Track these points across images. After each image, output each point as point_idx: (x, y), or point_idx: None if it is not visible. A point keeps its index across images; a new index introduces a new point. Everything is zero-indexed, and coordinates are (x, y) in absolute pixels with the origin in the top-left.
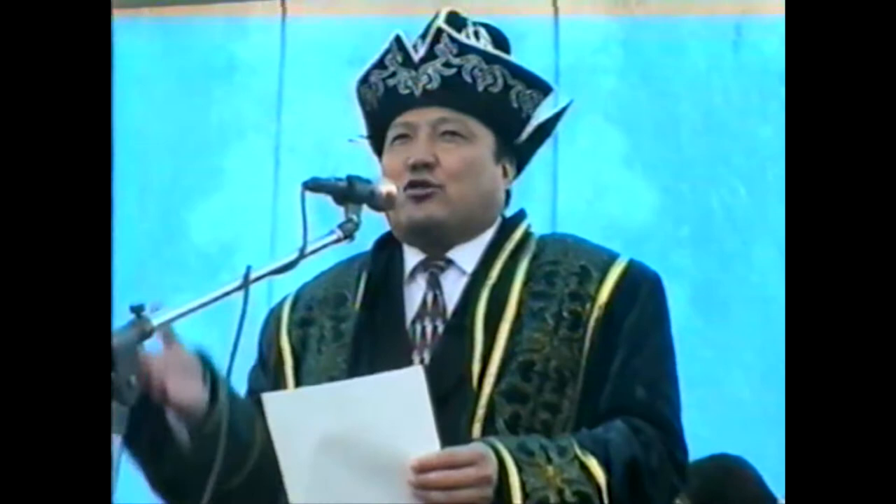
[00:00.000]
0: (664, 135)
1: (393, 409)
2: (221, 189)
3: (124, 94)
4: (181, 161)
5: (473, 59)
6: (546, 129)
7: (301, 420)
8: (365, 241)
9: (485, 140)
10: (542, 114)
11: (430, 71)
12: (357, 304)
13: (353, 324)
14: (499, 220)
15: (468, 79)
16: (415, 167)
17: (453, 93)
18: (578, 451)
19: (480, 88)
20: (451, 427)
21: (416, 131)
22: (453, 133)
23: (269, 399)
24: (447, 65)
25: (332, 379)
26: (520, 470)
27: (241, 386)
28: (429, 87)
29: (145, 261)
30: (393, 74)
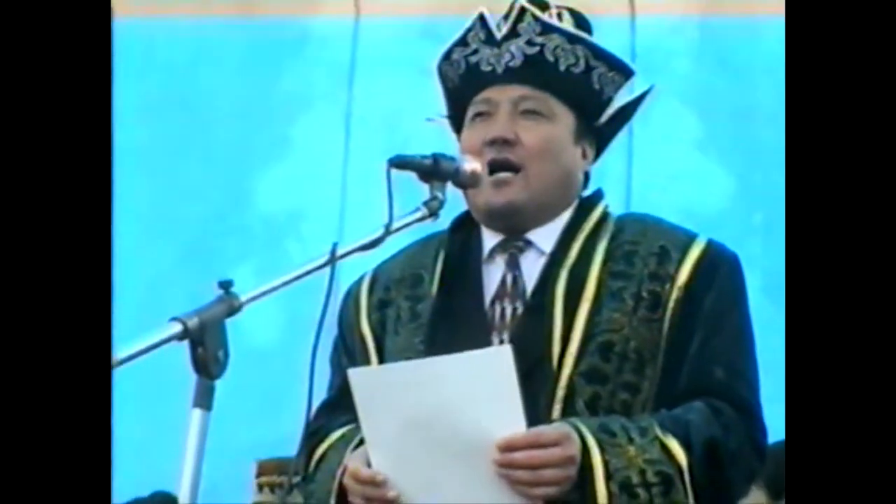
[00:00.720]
0: (739, 120)
1: (480, 388)
2: (289, 158)
3: (194, 62)
4: (249, 129)
5: (556, 39)
6: (626, 112)
7: (386, 395)
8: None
9: (565, 120)
10: (621, 97)
11: (512, 48)
12: (434, 285)
13: (429, 304)
14: (577, 200)
15: (550, 58)
16: (494, 143)
17: (535, 71)
18: (659, 432)
19: (562, 68)
20: (531, 408)
21: (497, 108)
22: (534, 111)
23: (356, 374)
24: (530, 43)
25: (408, 360)
26: (602, 450)
27: (323, 362)
28: (511, 64)
29: (210, 228)
30: (475, 52)
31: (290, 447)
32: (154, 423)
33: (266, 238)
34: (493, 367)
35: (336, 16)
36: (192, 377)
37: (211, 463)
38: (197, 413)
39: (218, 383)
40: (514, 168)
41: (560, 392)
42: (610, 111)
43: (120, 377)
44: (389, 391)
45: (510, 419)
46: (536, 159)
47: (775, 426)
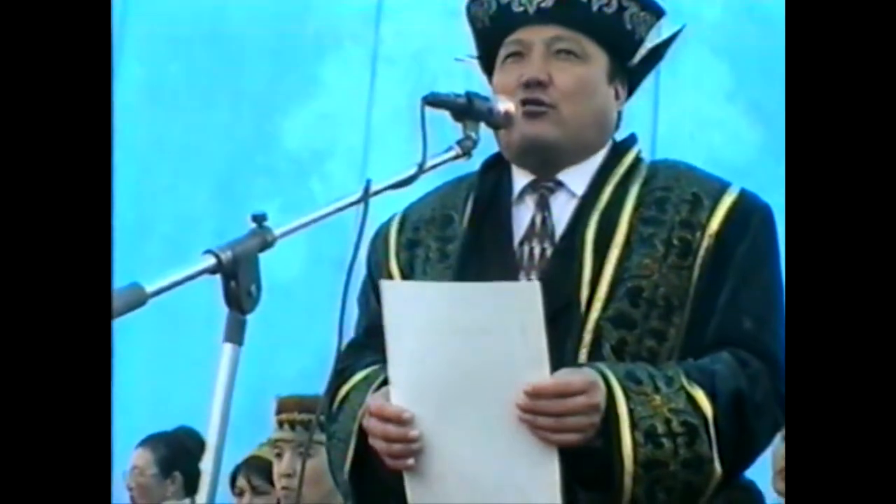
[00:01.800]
0: (768, 69)
1: (506, 319)
2: (316, 97)
3: (223, 1)
4: (278, 69)
5: None
6: (658, 53)
7: (416, 312)
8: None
9: (598, 60)
10: (652, 37)
11: None
12: (464, 225)
13: (459, 244)
14: (609, 143)
15: None
16: (528, 85)
17: (568, 11)
18: (685, 382)
19: (595, 8)
20: (557, 351)
21: (530, 49)
22: (567, 52)
23: (388, 287)
24: None
25: None
26: (628, 398)
27: (329, 300)
28: (543, 4)
29: (238, 166)
30: None
31: (310, 384)
32: (181, 358)
33: (292, 177)
34: (522, 300)
35: None
36: (218, 313)
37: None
38: (228, 347)
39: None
40: (547, 106)
41: (587, 336)
42: (643, 52)
43: (149, 311)
44: (420, 309)
45: (533, 355)
46: (570, 100)
47: None
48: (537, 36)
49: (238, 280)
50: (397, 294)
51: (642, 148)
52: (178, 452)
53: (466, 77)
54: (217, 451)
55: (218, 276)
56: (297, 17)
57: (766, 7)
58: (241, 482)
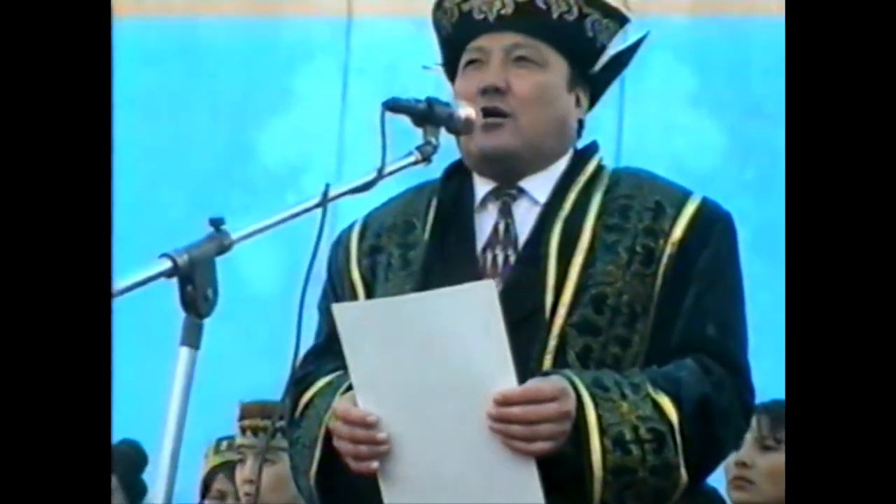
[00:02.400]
0: (733, 74)
1: (465, 323)
2: (290, 110)
3: (194, 14)
4: (252, 81)
5: None
6: (621, 60)
7: (372, 331)
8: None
9: (558, 68)
10: (615, 45)
11: None
12: (426, 232)
13: (421, 252)
14: (571, 151)
15: (542, 5)
16: (486, 91)
17: (527, 18)
18: (651, 389)
19: (555, 15)
20: (523, 357)
21: (489, 56)
22: (526, 59)
23: (340, 310)
24: None
25: None
26: (596, 405)
27: (314, 307)
28: (503, 12)
29: (214, 180)
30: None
31: (275, 389)
32: (146, 363)
33: (268, 190)
34: (478, 301)
35: None
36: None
37: (198, 404)
38: (184, 351)
39: (217, 327)
40: (505, 115)
41: (552, 342)
42: (604, 59)
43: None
44: (375, 327)
45: (496, 355)
46: (528, 107)
47: (767, 381)
48: (496, 43)
49: (195, 284)
50: (352, 316)
51: (608, 154)
52: (119, 466)
53: (437, 88)
54: (173, 454)
55: (175, 281)
56: (269, 28)
57: (731, 13)
58: (223, 485)
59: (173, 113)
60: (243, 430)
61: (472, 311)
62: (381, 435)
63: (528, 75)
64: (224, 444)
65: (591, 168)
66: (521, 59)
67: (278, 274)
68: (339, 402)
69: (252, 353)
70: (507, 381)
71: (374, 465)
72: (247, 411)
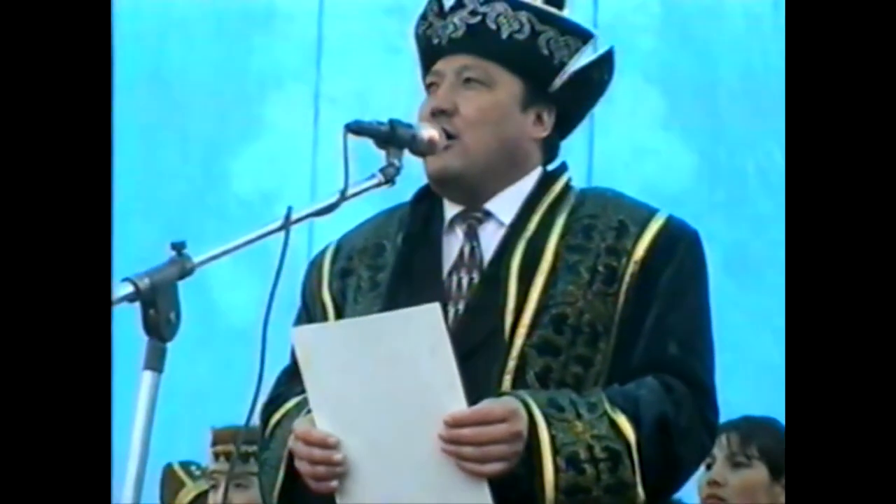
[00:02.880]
0: (702, 96)
1: (413, 344)
2: (262, 138)
3: (164, 42)
4: (222, 109)
5: (499, 7)
6: (589, 76)
7: (328, 353)
8: (405, 188)
9: (508, 87)
10: (579, 61)
11: (456, 20)
12: (395, 254)
13: (389, 273)
14: (539, 171)
15: (493, 26)
16: (434, 114)
17: (477, 40)
18: (608, 408)
19: (505, 35)
20: (482, 378)
21: (442, 79)
22: (474, 80)
23: (298, 333)
24: (473, 13)
25: None
26: (549, 425)
27: (282, 334)
28: (454, 35)
29: (187, 208)
30: (430, 25)
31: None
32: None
33: (242, 218)
34: (425, 323)
35: None
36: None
37: (172, 430)
38: (147, 375)
39: (193, 354)
40: (452, 137)
41: (511, 363)
42: (563, 76)
43: None
44: (331, 349)
45: (444, 377)
46: (474, 128)
47: (738, 399)
48: (449, 66)
49: (157, 307)
50: (308, 338)
51: (579, 177)
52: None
53: (409, 113)
54: (138, 477)
55: (136, 304)
56: (238, 56)
57: (699, 35)
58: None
59: (144, 142)
60: (216, 456)
61: (420, 333)
62: (338, 456)
63: (476, 96)
64: (197, 470)
65: (557, 189)
66: (469, 80)
67: (253, 301)
68: (299, 424)
69: (228, 379)
70: (456, 402)
71: (334, 483)
72: (219, 437)
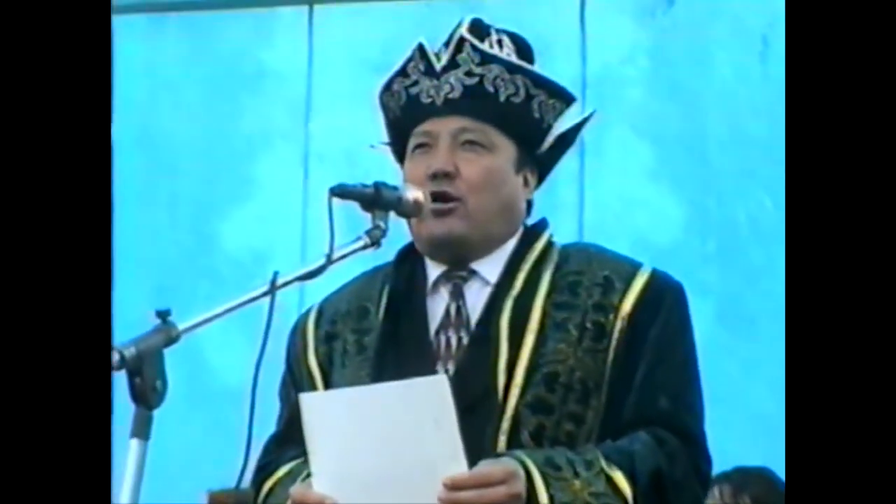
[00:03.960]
0: (691, 148)
1: (418, 415)
2: (252, 198)
3: (154, 104)
4: (212, 169)
5: (496, 69)
6: (568, 138)
7: (333, 421)
8: (390, 248)
9: (505, 150)
10: (564, 123)
11: (451, 80)
12: (380, 317)
13: (375, 336)
14: (521, 229)
15: (490, 88)
16: (435, 177)
17: (475, 102)
18: (604, 465)
19: (502, 98)
20: (477, 438)
21: (437, 140)
22: (474, 143)
23: (306, 399)
24: (469, 74)
25: None
26: (547, 485)
27: (267, 389)
28: (450, 96)
29: (178, 270)
30: (415, 83)
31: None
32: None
33: (233, 280)
34: (431, 395)
35: (289, 51)
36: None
37: (166, 494)
38: (135, 443)
39: (178, 415)
40: (454, 200)
41: (505, 423)
42: (551, 138)
43: None
44: (337, 416)
45: (449, 447)
46: (477, 191)
47: (730, 451)
48: (444, 127)
49: (143, 376)
50: (316, 405)
51: (569, 230)
52: None
53: (397, 171)
54: None
55: (123, 373)
56: (227, 117)
57: (687, 87)
58: None
59: (135, 204)
60: None
61: (425, 404)
62: None
63: (477, 159)
64: None
65: (540, 245)
66: (468, 142)
67: (246, 364)
68: (296, 488)
69: (220, 439)
70: (458, 468)
71: None
72: (215, 500)
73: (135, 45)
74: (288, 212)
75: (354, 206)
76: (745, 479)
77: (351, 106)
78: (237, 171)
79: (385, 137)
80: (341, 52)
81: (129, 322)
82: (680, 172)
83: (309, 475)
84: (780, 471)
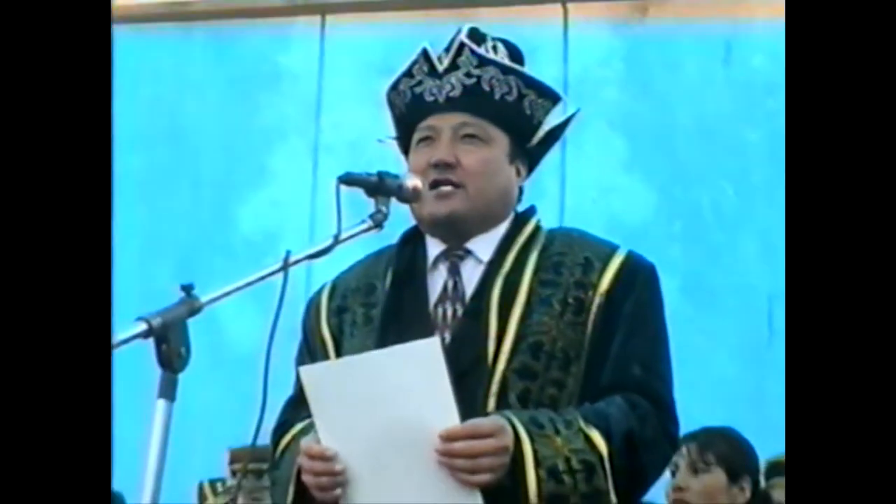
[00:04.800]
0: (661, 141)
1: (414, 377)
2: (266, 184)
3: (180, 99)
4: (231, 158)
5: (491, 70)
6: (555, 134)
7: (334, 389)
8: (393, 231)
9: (500, 143)
10: (551, 120)
11: (453, 80)
12: (385, 292)
13: (381, 310)
14: (512, 214)
15: (487, 88)
16: (437, 166)
17: (473, 100)
18: (582, 424)
19: (497, 97)
20: (469, 401)
21: (440, 134)
22: (473, 136)
23: (306, 372)
24: (468, 75)
25: None
26: (532, 440)
27: (282, 363)
28: (451, 94)
29: (198, 247)
30: (420, 83)
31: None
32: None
33: (247, 257)
34: (424, 358)
35: (302, 55)
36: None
37: (190, 451)
38: (161, 403)
39: (200, 380)
40: (455, 186)
41: (494, 387)
42: (541, 133)
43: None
44: (337, 385)
45: (442, 406)
46: (475, 178)
47: (697, 411)
48: (446, 122)
49: (169, 343)
50: (316, 376)
51: (552, 215)
52: None
53: (397, 162)
54: (153, 498)
55: (151, 340)
56: (245, 111)
57: (658, 87)
58: None
59: (163, 189)
60: (234, 474)
61: (420, 365)
62: (338, 466)
63: (475, 150)
64: (220, 485)
65: (529, 229)
66: (468, 136)
67: (258, 333)
68: (304, 440)
69: (235, 402)
70: (452, 423)
71: (337, 492)
72: (236, 456)
73: (166, 50)
74: (298, 197)
75: (359, 192)
76: (710, 438)
77: (357, 104)
78: (254, 161)
79: (392, 132)
80: (349, 56)
81: (153, 291)
82: (650, 163)
83: None
84: (738, 429)
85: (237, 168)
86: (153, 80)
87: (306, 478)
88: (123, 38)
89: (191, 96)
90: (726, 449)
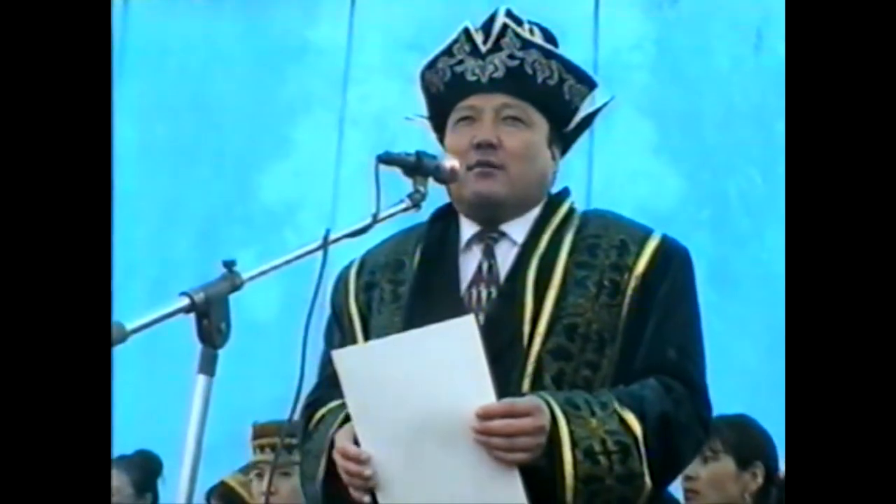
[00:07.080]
0: (689, 127)
1: (449, 356)
2: (290, 156)
3: (207, 70)
4: (255, 130)
5: (534, 54)
6: (588, 120)
7: (367, 372)
8: (426, 211)
9: (541, 127)
10: (585, 106)
11: (496, 61)
12: (414, 269)
13: (409, 287)
14: (546, 197)
15: (529, 70)
16: (479, 146)
17: (516, 82)
18: (617, 406)
19: (539, 80)
20: (504, 382)
21: (481, 114)
22: (515, 118)
23: (338, 355)
24: (511, 56)
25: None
26: (568, 421)
27: (316, 337)
28: (495, 75)
29: (218, 216)
30: (461, 62)
31: (284, 411)
32: (160, 389)
33: (267, 227)
34: (459, 336)
35: (331, 29)
36: (194, 348)
37: (212, 425)
38: (202, 378)
39: (221, 353)
40: (496, 167)
41: (529, 367)
42: (577, 119)
43: (131, 346)
44: (370, 367)
45: (479, 384)
46: (517, 161)
47: (714, 401)
48: (488, 103)
49: (210, 318)
50: (349, 359)
51: (579, 199)
52: (148, 474)
53: (422, 137)
54: (192, 470)
55: (192, 315)
56: (271, 83)
57: (687, 73)
58: None
59: (187, 159)
60: (261, 448)
61: (455, 344)
62: (368, 472)
63: (517, 133)
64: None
65: (563, 211)
66: (510, 118)
67: (282, 307)
68: (339, 438)
69: (261, 378)
70: (487, 401)
71: (366, 498)
72: (262, 431)
73: (195, 22)
74: (321, 170)
75: (395, 171)
76: (717, 426)
77: (384, 79)
78: (278, 132)
79: (423, 110)
80: (378, 31)
81: (174, 260)
82: (679, 148)
83: None
84: (758, 417)
85: (261, 139)
86: (181, 51)
87: (341, 474)
88: (152, 10)
89: (218, 67)
90: (733, 436)
